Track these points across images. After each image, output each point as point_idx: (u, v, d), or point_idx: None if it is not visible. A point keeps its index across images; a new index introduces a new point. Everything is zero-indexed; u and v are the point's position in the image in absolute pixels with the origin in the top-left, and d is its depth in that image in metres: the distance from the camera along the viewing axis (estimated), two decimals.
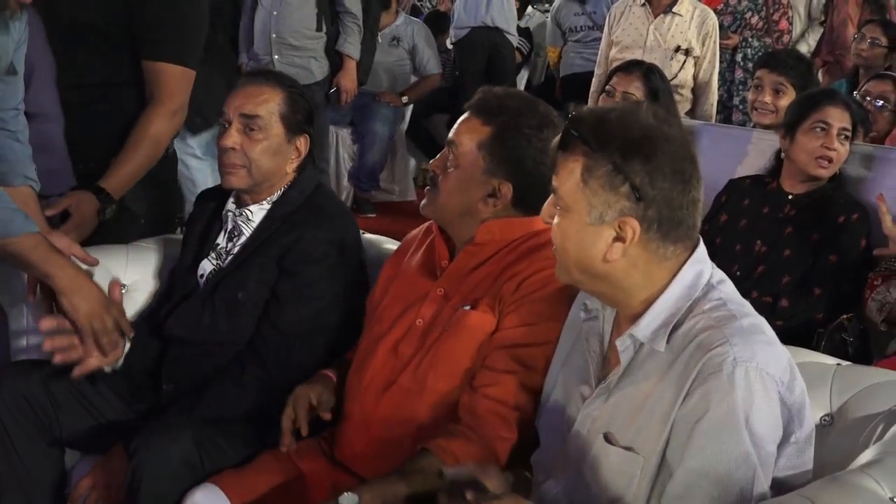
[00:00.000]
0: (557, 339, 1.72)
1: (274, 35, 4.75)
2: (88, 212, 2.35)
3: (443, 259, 1.93)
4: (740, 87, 4.67)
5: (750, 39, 4.72)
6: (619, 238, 1.46)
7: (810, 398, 1.52)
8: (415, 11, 7.44)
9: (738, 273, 2.76)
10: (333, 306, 2.11)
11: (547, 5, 7.61)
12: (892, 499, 1.37)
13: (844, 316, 2.61)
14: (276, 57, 4.75)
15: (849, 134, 2.85)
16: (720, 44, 4.48)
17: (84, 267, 2.00)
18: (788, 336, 1.64)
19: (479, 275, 1.86)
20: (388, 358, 1.88)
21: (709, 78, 4.30)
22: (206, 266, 2.23)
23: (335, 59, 4.92)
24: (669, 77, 3.84)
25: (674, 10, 4.28)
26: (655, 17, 4.29)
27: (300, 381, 1.99)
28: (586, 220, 1.47)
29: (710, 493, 1.40)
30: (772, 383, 1.42)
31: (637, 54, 4.13)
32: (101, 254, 2.18)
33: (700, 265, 1.52)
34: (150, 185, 2.54)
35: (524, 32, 6.92)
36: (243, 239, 2.19)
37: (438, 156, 1.92)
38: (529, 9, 7.50)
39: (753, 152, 3.27)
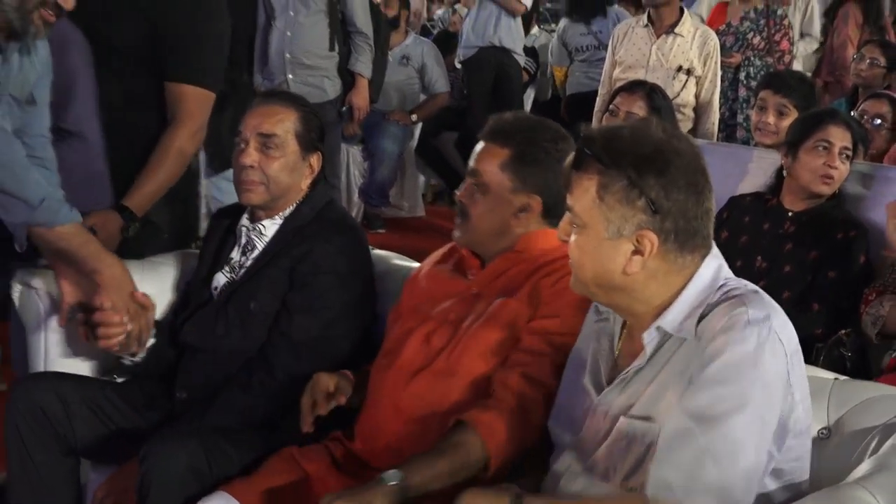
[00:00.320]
0: None
1: (288, 55, 4.76)
2: (113, 230, 2.40)
3: (473, 268, 1.99)
4: (744, 104, 4.68)
5: (752, 58, 4.75)
6: (637, 251, 1.50)
7: None
8: (424, 31, 7.50)
9: None
10: (342, 317, 2.15)
11: (553, 25, 7.66)
12: None
13: (843, 331, 2.62)
14: (290, 76, 4.76)
15: (850, 153, 2.88)
16: (723, 62, 4.48)
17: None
18: None
19: (514, 272, 1.91)
20: (421, 347, 1.92)
21: (710, 97, 4.30)
22: (220, 279, 2.27)
23: (347, 78, 4.93)
24: (671, 96, 3.85)
25: (676, 30, 4.29)
26: (658, 38, 4.30)
27: None
28: (604, 235, 1.50)
29: (699, 443, 1.40)
30: (780, 351, 1.44)
31: (640, 74, 4.15)
32: None
33: (717, 260, 1.56)
34: (173, 200, 2.59)
35: (530, 52, 6.96)
36: (256, 252, 2.23)
37: (463, 186, 1.97)
38: (535, 29, 7.54)
39: (754, 170, 3.28)
